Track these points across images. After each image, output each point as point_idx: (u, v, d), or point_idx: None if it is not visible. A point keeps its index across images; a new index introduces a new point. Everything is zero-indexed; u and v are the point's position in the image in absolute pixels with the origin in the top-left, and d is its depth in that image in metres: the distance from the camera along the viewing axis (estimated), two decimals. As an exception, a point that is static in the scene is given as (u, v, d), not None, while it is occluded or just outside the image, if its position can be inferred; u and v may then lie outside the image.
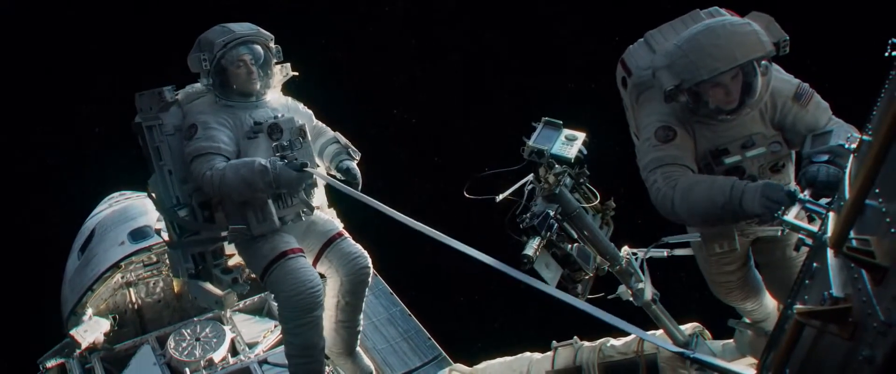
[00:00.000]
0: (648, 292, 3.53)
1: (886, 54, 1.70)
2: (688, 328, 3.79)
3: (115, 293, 6.26)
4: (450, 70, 10.45)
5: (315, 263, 4.45)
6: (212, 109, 4.15)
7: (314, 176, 4.19)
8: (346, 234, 4.53)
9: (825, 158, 2.80)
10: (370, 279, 4.51)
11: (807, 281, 2.04)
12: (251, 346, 6.01)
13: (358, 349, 4.72)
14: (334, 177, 4.32)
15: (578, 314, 3.02)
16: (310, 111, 4.63)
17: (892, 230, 1.54)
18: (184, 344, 6.08)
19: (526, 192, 3.45)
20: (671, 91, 3.17)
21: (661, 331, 3.73)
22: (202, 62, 4.08)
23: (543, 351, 4.31)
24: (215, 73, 4.12)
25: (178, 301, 6.55)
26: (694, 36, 3.14)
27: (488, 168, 3.51)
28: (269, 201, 4.15)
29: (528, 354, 4.35)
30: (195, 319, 6.27)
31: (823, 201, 2.57)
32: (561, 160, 3.40)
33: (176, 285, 6.45)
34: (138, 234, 6.37)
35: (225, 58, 4.08)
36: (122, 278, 6.26)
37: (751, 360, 3.77)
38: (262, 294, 6.56)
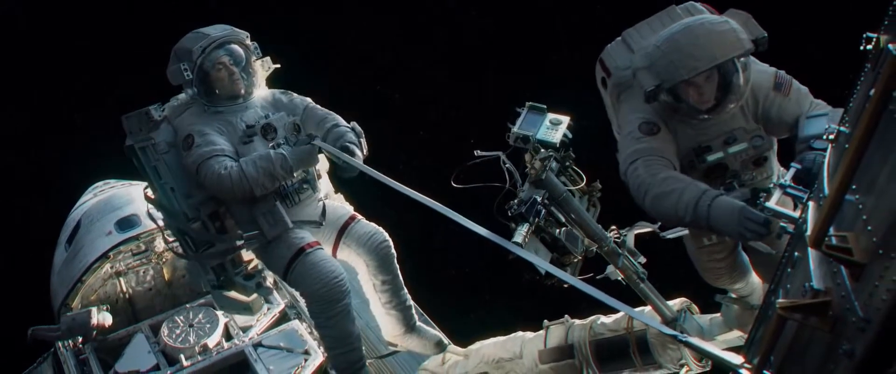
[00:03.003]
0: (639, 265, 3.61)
1: (861, 48, 1.71)
2: (676, 303, 3.86)
3: (106, 284, 6.25)
4: (435, 48, 10.35)
5: (334, 252, 4.46)
6: (202, 119, 4.11)
7: (324, 149, 4.16)
8: (359, 216, 4.53)
9: (826, 144, 2.81)
10: (393, 251, 4.49)
11: (789, 270, 2.07)
12: (245, 330, 6.04)
13: (419, 323, 4.67)
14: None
15: (570, 293, 3.07)
16: (305, 99, 4.55)
17: (869, 228, 1.57)
18: (177, 331, 6.10)
19: (510, 175, 3.48)
20: (652, 92, 3.17)
21: (649, 308, 3.80)
22: (184, 72, 4.03)
23: (535, 330, 4.38)
24: (198, 81, 4.08)
25: (169, 288, 6.55)
26: (673, 36, 3.13)
27: (477, 151, 3.52)
28: (277, 203, 4.15)
29: (520, 333, 4.42)
30: (187, 305, 6.29)
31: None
32: (546, 145, 3.42)
33: (166, 272, 6.45)
34: (125, 223, 6.32)
35: (205, 63, 4.04)
36: (112, 268, 6.24)
37: (738, 333, 3.86)
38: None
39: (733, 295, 3.82)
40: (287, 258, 4.17)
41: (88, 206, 6.80)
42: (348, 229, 4.44)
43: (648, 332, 3.82)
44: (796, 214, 2.42)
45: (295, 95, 4.53)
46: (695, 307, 3.94)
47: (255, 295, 4.46)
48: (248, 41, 4.18)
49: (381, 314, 4.53)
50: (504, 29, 10.27)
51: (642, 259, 3.56)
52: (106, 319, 6.00)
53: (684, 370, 3.80)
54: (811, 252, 1.86)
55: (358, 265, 4.49)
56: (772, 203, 2.56)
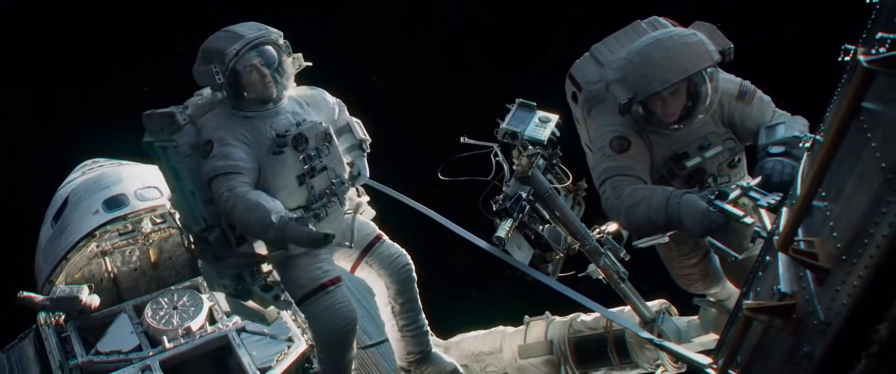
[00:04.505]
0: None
1: (839, 59, 1.75)
2: (655, 304, 3.92)
3: (91, 262, 6.24)
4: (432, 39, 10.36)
5: (354, 268, 4.24)
6: (228, 123, 3.75)
7: (333, 242, 3.65)
8: (384, 236, 4.28)
9: (782, 150, 2.90)
10: (414, 275, 4.25)
11: (760, 273, 2.13)
12: (229, 314, 6.05)
13: (434, 349, 4.40)
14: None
15: (553, 289, 3.12)
16: (336, 100, 4.20)
17: (835, 234, 1.62)
18: (161, 313, 6.11)
19: (498, 169, 3.54)
20: (625, 104, 3.24)
21: (628, 308, 3.85)
22: (215, 75, 3.64)
23: (516, 325, 4.43)
24: (228, 83, 3.70)
25: (155, 270, 6.55)
26: (644, 49, 3.21)
27: (463, 138, 3.58)
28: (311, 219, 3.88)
29: (501, 327, 4.47)
30: (172, 287, 6.30)
31: (773, 195, 2.68)
32: (534, 142, 3.47)
33: (152, 253, 6.45)
34: (113, 202, 6.30)
35: (236, 66, 3.67)
36: (98, 247, 6.23)
37: (714, 336, 3.92)
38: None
39: (711, 299, 3.89)
40: (305, 290, 3.96)
41: (76, 184, 6.78)
42: (373, 249, 4.17)
43: (626, 332, 3.88)
44: (742, 213, 2.69)
45: (327, 94, 4.17)
46: (674, 309, 4.00)
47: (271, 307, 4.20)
48: (281, 40, 3.84)
49: (396, 338, 4.31)
50: (501, 24, 10.31)
51: (624, 253, 3.62)
52: (94, 300, 6.00)
53: (660, 370, 3.86)
54: (781, 257, 1.91)
55: (377, 286, 4.28)
56: (726, 203, 2.77)
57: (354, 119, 4.25)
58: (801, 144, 2.71)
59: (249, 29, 3.73)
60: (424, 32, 10.53)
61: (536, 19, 10.01)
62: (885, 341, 1.66)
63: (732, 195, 2.83)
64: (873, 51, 1.60)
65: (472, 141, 3.50)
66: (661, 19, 3.57)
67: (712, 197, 2.87)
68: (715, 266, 3.87)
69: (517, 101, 3.56)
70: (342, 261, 4.19)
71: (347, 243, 4.08)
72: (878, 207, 1.49)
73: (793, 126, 3.06)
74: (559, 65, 3.88)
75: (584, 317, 4.10)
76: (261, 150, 3.73)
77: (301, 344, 5.66)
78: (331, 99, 4.15)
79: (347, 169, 4.07)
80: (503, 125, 3.50)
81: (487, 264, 3.34)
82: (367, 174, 4.17)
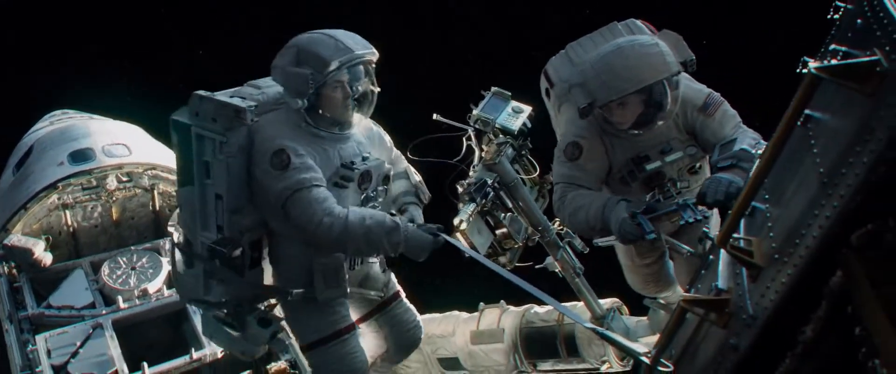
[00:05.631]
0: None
1: (798, 71, 1.81)
2: (607, 302, 3.99)
3: (50, 214, 6.13)
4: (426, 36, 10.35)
5: (361, 321, 3.79)
6: (296, 134, 3.25)
7: (448, 242, 3.31)
8: (402, 294, 3.89)
9: (729, 162, 3.02)
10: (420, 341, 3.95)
11: (703, 272, 2.20)
12: (189, 281, 6.00)
13: None
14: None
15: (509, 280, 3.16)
16: (389, 139, 3.74)
17: (771, 235, 1.68)
18: (119, 272, 6.03)
19: (468, 153, 3.58)
20: (584, 109, 3.33)
21: (581, 303, 3.93)
22: (308, 82, 3.15)
23: (472, 311, 4.48)
24: (312, 96, 3.23)
25: (116, 228, 6.46)
26: (605, 56, 3.28)
27: (436, 115, 3.61)
28: (345, 264, 3.46)
29: (456, 313, 4.51)
30: (133, 247, 6.22)
31: (699, 213, 3.04)
32: (505, 131, 3.51)
33: (115, 211, 6.35)
34: (79, 156, 6.19)
35: (331, 79, 3.21)
36: (59, 199, 6.11)
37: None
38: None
39: (662, 301, 3.98)
40: (320, 335, 3.54)
41: (43, 133, 6.65)
42: (390, 309, 3.80)
43: (577, 327, 3.95)
44: (651, 228, 3.00)
45: (384, 132, 3.72)
46: (625, 309, 4.08)
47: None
48: (375, 59, 3.38)
49: None
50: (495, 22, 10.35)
51: (580, 244, 3.69)
52: (46, 258, 5.90)
53: (605, 366, 3.94)
54: (723, 256, 1.98)
55: (372, 342, 3.87)
56: (653, 216, 3.07)
57: (411, 168, 3.82)
58: (752, 151, 2.86)
59: (355, 43, 3.25)
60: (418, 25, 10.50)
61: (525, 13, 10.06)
62: (810, 342, 1.73)
63: (662, 210, 3.08)
64: (826, 61, 1.66)
65: (444, 119, 3.53)
66: (639, 22, 3.63)
67: (638, 211, 3.10)
68: (668, 270, 3.97)
69: (492, 89, 3.59)
70: (352, 310, 3.71)
71: (377, 293, 3.73)
72: (812, 209, 1.56)
73: (743, 140, 3.15)
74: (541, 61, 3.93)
75: (537, 309, 4.17)
76: (324, 173, 3.26)
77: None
78: (387, 138, 3.69)
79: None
80: (476, 111, 3.54)
81: (446, 250, 3.35)
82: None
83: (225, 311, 3.52)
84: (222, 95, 3.26)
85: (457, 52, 10.06)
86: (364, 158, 3.40)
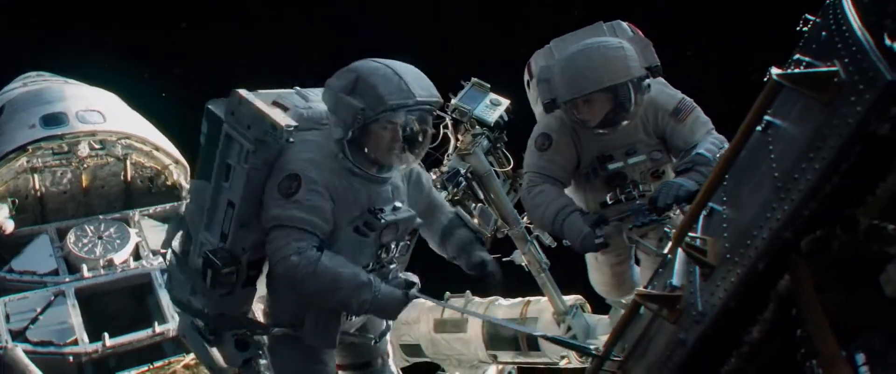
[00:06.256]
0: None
1: (765, 79, 1.86)
2: (570, 299, 4.04)
3: (18, 177, 6.03)
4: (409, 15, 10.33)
5: (341, 367, 3.51)
6: (325, 163, 2.90)
7: (422, 299, 3.13)
8: (390, 355, 3.61)
9: (685, 167, 3.18)
10: None
11: (661, 270, 2.24)
12: (156, 253, 5.95)
13: None
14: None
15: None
16: (428, 178, 3.37)
17: (725, 235, 1.73)
18: (85, 240, 5.96)
19: (444, 141, 3.61)
20: (547, 104, 3.44)
21: (545, 298, 3.97)
22: (357, 115, 2.79)
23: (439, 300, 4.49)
24: (357, 130, 2.86)
25: (85, 196, 6.38)
26: (571, 55, 3.37)
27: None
28: (343, 313, 3.10)
29: (421, 300, 4.52)
30: (101, 216, 6.15)
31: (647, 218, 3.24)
32: (481, 122, 3.55)
33: (85, 178, 6.27)
34: (52, 119, 6.10)
35: (383, 118, 2.84)
36: (28, 162, 6.02)
37: (620, 337, 4.08)
38: (175, 203, 6.46)
39: (624, 302, 4.04)
40: None
41: (16, 94, 6.53)
42: (372, 370, 3.50)
43: (539, 323, 4.00)
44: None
45: (424, 172, 3.34)
46: (588, 306, 4.14)
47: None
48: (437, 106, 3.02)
49: None
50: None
51: (548, 240, 3.74)
52: (8, 225, 5.80)
53: (564, 361, 4.00)
54: (680, 254, 2.02)
55: None
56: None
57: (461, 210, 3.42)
58: (709, 156, 2.95)
59: (420, 86, 2.87)
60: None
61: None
62: (756, 343, 1.78)
63: (614, 218, 3.24)
64: (790, 70, 1.71)
65: None
66: (624, 24, 3.68)
67: (592, 223, 3.26)
68: (633, 274, 4.04)
69: (472, 79, 3.62)
70: (337, 354, 3.39)
71: (372, 337, 3.42)
72: (764, 212, 1.60)
73: (703, 146, 3.23)
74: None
75: (502, 301, 4.21)
76: (343, 213, 2.90)
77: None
78: (426, 178, 3.30)
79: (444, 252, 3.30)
80: (454, 101, 3.56)
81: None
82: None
83: (209, 327, 3.21)
84: (264, 99, 2.92)
85: (446, 45, 10.09)
86: (394, 208, 3.00)
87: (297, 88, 3.18)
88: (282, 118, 2.82)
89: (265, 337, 3.26)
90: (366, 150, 2.89)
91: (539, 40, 3.87)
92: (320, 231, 2.85)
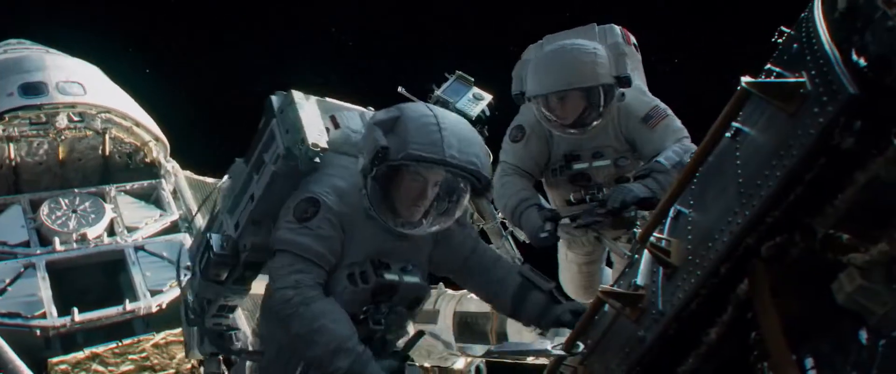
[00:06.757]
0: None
1: (738, 88, 1.90)
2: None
3: (-7, 145, 5.93)
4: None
5: None
6: (351, 196, 2.65)
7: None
8: None
9: (642, 172, 3.27)
10: None
11: (627, 270, 2.28)
12: (131, 230, 5.89)
13: None
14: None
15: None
16: (472, 236, 3.00)
17: (689, 237, 1.77)
18: (59, 213, 5.88)
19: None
20: (516, 96, 3.52)
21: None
22: (377, 152, 2.51)
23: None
24: (380, 173, 2.57)
25: (61, 168, 6.28)
26: (545, 54, 3.45)
27: (400, 88, 3.65)
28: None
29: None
30: (76, 190, 6.06)
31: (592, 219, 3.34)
32: (463, 115, 3.54)
33: (61, 150, 6.17)
34: (31, 89, 5.98)
35: (409, 165, 2.54)
36: (4, 131, 5.91)
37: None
38: (154, 181, 6.39)
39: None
40: None
41: (-5, 60, 6.41)
42: None
43: (509, 320, 4.04)
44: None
45: (464, 225, 2.96)
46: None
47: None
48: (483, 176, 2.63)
49: None
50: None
51: (523, 236, 3.78)
52: None
53: (530, 358, 4.03)
54: (645, 255, 2.06)
55: None
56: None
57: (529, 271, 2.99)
58: (667, 165, 3.16)
59: (460, 151, 2.52)
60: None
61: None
62: (713, 344, 1.84)
63: (565, 215, 3.37)
64: (760, 79, 1.75)
65: (407, 94, 3.56)
66: (617, 29, 3.72)
67: (543, 218, 3.36)
68: (603, 278, 4.09)
69: (456, 72, 3.64)
70: None
71: None
72: (726, 217, 1.64)
73: (665, 154, 3.30)
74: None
75: (473, 295, 4.23)
76: (347, 252, 2.66)
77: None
78: (470, 234, 2.99)
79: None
80: (437, 92, 3.58)
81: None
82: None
83: (194, 308, 3.09)
84: (324, 109, 2.79)
85: (436, 40, 10.10)
86: (404, 268, 2.70)
87: (371, 108, 2.99)
88: (317, 135, 2.63)
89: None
90: (389, 194, 2.61)
91: (532, 38, 3.90)
92: (326, 264, 2.62)
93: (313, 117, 2.69)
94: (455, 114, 2.72)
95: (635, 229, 3.07)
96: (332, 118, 2.81)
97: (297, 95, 2.72)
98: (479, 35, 10.11)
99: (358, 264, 2.65)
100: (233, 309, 3.12)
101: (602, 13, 3.93)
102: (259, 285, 2.98)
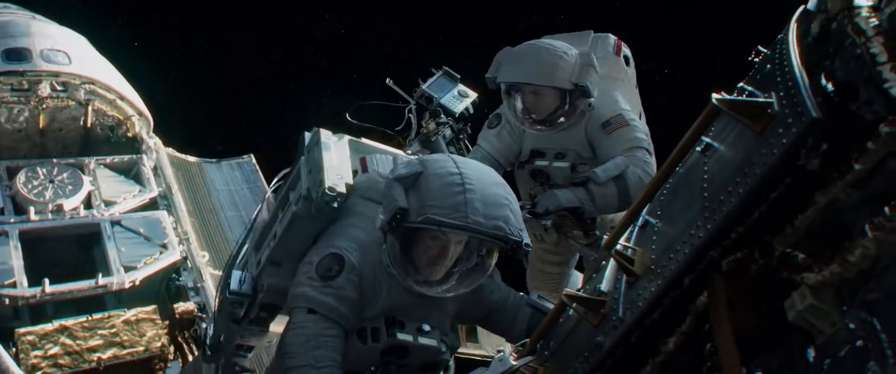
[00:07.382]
0: None
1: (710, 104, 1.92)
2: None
3: (-29, 109, 5.84)
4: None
5: None
6: (371, 250, 2.51)
7: None
8: None
9: (580, 180, 3.38)
10: None
11: (594, 275, 2.31)
12: (108, 204, 5.84)
13: None
14: None
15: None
16: (497, 279, 2.87)
17: (653, 247, 1.80)
18: (36, 182, 5.81)
19: (407, 126, 3.65)
20: (488, 79, 3.53)
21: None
22: (395, 212, 2.32)
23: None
24: (397, 231, 2.39)
25: (41, 138, 6.20)
26: (521, 45, 3.49)
27: (389, 80, 3.67)
28: None
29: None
30: (55, 160, 5.99)
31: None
32: (446, 111, 3.58)
33: (42, 119, 6.09)
34: (14, 54, 5.89)
35: (428, 229, 2.35)
36: (-17, 96, 5.83)
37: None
38: (134, 156, 6.34)
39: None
40: None
41: (-22, 24, 6.30)
42: None
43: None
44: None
45: (497, 278, 2.86)
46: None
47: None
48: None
49: None
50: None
51: None
52: None
53: (500, 355, 4.07)
54: (611, 262, 2.09)
55: None
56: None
57: None
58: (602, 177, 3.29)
59: (486, 215, 2.29)
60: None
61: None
62: (671, 353, 1.87)
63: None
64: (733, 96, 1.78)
65: (395, 86, 3.57)
66: (611, 39, 3.74)
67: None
68: (572, 283, 4.14)
69: (443, 68, 3.65)
70: None
71: None
72: (688, 229, 1.67)
73: (607, 165, 3.37)
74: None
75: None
76: (363, 312, 2.51)
77: (174, 254, 5.54)
78: (497, 291, 2.86)
79: None
80: (423, 87, 3.60)
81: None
82: None
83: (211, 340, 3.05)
84: (357, 151, 2.69)
85: (430, 36, 10.08)
86: (420, 330, 2.52)
87: (409, 153, 3.00)
88: (337, 179, 2.48)
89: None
90: (408, 252, 2.43)
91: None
92: (347, 323, 2.47)
93: (338, 159, 2.56)
94: (482, 166, 2.52)
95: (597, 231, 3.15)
96: (362, 161, 2.67)
97: (325, 134, 2.60)
98: (479, 35, 10.12)
99: (369, 319, 2.50)
100: (250, 349, 2.98)
101: (602, 15, 3.96)
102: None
